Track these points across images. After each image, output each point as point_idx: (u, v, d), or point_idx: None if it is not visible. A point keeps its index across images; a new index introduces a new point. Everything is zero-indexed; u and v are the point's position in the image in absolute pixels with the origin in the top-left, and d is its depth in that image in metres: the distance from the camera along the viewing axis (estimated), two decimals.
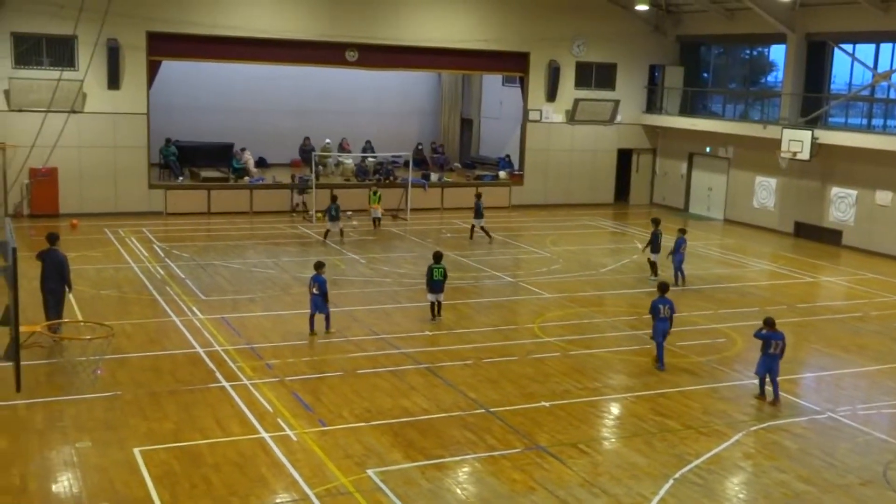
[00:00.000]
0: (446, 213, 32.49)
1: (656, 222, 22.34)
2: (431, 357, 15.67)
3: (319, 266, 16.92)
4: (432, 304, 18.11)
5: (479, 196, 27.61)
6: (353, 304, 18.90)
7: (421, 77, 38.73)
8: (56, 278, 15.47)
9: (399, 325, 17.69)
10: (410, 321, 18.07)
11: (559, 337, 17.22)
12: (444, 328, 17.52)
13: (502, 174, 34.69)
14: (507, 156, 35.60)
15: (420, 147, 36.85)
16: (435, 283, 17.98)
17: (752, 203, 31.80)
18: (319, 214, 29.25)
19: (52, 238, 15.91)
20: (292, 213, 29.62)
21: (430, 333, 17.08)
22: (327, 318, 16.88)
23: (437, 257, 18.31)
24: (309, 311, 16.77)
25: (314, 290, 16.58)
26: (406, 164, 34.02)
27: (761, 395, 14.28)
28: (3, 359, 9.26)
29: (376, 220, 28.43)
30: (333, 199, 26.54)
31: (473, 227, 27.13)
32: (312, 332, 16.58)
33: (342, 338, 16.54)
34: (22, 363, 12.54)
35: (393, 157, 35.50)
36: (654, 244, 21.92)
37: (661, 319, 15.50)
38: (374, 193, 28.51)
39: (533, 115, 34.11)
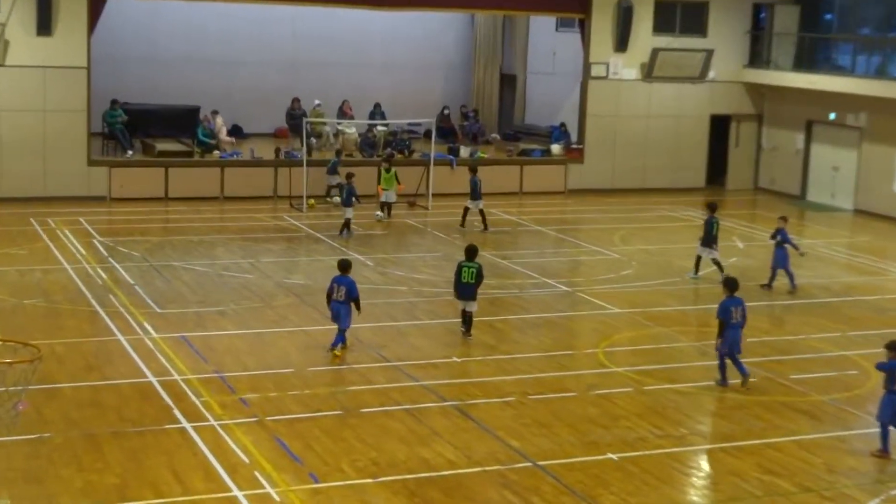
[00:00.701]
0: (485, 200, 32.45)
1: (712, 208, 22.88)
2: (460, 392, 15.62)
3: (346, 266, 17.24)
4: (462, 311, 18.26)
5: (474, 172, 27.80)
6: (357, 321, 18.89)
7: (448, 20, 38.76)
8: None
9: (417, 348, 17.64)
10: (432, 344, 18.02)
11: (631, 366, 17.13)
12: (478, 352, 17.48)
13: (555, 148, 34.61)
14: (562, 124, 35.53)
15: (446, 112, 36.87)
16: (464, 288, 18.07)
17: (893, 188, 31.52)
18: (312, 201, 29.35)
19: None
20: (327, 197, 29.64)
21: (459, 360, 17.05)
22: (340, 334, 17.02)
23: (470, 253, 18.33)
24: (334, 321, 17.06)
25: (338, 296, 16.94)
26: (427, 134, 34.01)
27: (883, 450, 13.95)
28: None
29: (387, 207, 28.48)
30: (349, 177, 26.68)
31: (467, 209, 27.42)
32: (334, 347, 17.00)
33: (342, 365, 16.56)
34: None
35: (410, 125, 35.50)
36: (707, 236, 22.54)
37: (733, 326, 15.90)
38: (388, 171, 28.53)
39: (597, 71, 34.02)
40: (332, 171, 29.29)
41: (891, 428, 13.97)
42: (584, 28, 33.78)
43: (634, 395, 15.80)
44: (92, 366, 16.14)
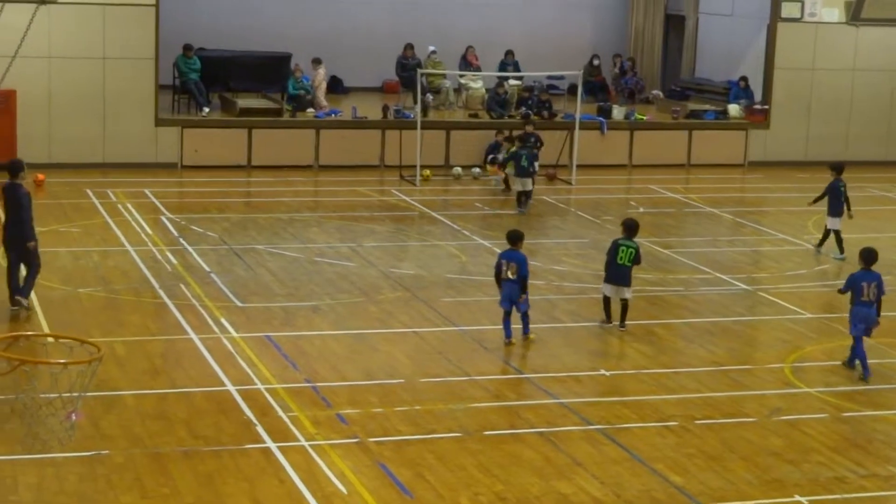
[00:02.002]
0: (638, 172, 32.28)
1: (837, 169, 24.08)
2: (609, 413, 15.62)
3: (516, 238, 17.96)
4: (607, 300, 18.70)
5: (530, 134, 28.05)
6: (479, 322, 18.99)
7: None
8: (15, 225, 18.06)
9: (556, 357, 17.68)
10: (575, 352, 18.03)
11: (826, 387, 16.92)
12: (632, 364, 17.45)
13: (733, 109, 34.27)
14: (743, 79, 35.14)
15: (596, 63, 36.75)
16: (618, 270, 18.51)
17: None
18: (428, 173, 29.58)
19: (13, 167, 18.54)
20: (487, 166, 30.06)
21: (609, 374, 17.05)
22: (525, 318, 17.78)
23: (629, 228, 18.78)
24: (503, 307, 17.81)
25: (509, 275, 17.54)
26: (572, 90, 33.94)
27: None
28: None
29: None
30: (523, 139, 27.06)
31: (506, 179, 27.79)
32: (509, 340, 17.80)
33: (462, 376, 16.68)
34: None
35: (550, 78, 35.44)
36: (833, 202, 23.66)
37: (864, 303, 16.82)
38: (512, 143, 28.65)
39: (788, 11, 33.57)
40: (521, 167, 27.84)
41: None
42: None
43: (830, 423, 15.59)
44: (159, 370, 16.54)
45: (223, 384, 15.98)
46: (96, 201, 26.34)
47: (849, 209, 23.87)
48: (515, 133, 28.20)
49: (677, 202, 28.90)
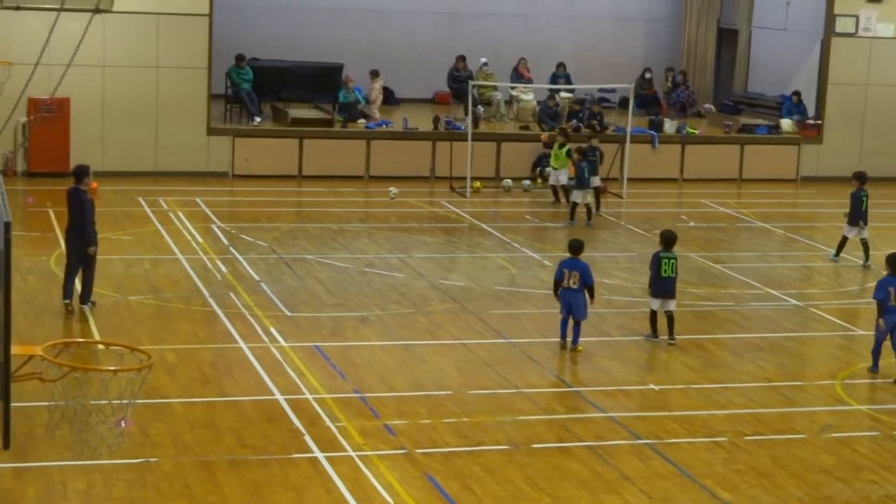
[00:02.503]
0: (689, 186, 32.15)
1: (860, 179, 24.54)
2: (658, 427, 15.56)
3: (578, 247, 18.23)
4: (654, 314, 18.80)
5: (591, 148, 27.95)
6: (528, 335, 18.97)
7: None
8: (77, 230, 18.86)
9: (605, 371, 17.63)
10: (624, 366, 17.97)
11: (878, 404, 16.81)
12: (682, 379, 17.37)
13: (786, 124, 34.10)
14: (796, 93, 34.95)
15: (648, 76, 36.67)
16: (664, 283, 18.62)
17: None
18: (478, 184, 29.59)
19: (77, 172, 19.22)
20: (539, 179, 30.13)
21: (658, 388, 16.98)
22: (577, 329, 18.07)
23: (668, 241, 18.90)
24: (560, 313, 18.13)
25: (571, 283, 17.82)
26: (623, 103, 33.85)
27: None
28: None
29: (558, 192, 28.62)
30: (585, 152, 27.03)
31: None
32: (565, 345, 18.20)
33: (511, 388, 16.65)
34: (12, 405, 13.19)
35: (601, 91, 35.38)
36: (854, 212, 24.09)
37: (892, 309, 17.41)
38: (561, 146, 28.55)
39: (843, 26, 33.37)
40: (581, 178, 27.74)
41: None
42: None
43: (882, 442, 15.45)
44: (208, 378, 16.62)
45: (272, 393, 16.03)
46: (148, 209, 26.52)
47: (865, 221, 24.22)
48: (579, 146, 28.08)
49: (729, 217, 28.76)
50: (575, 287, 17.94)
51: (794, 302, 21.65)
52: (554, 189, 28.86)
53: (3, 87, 26.05)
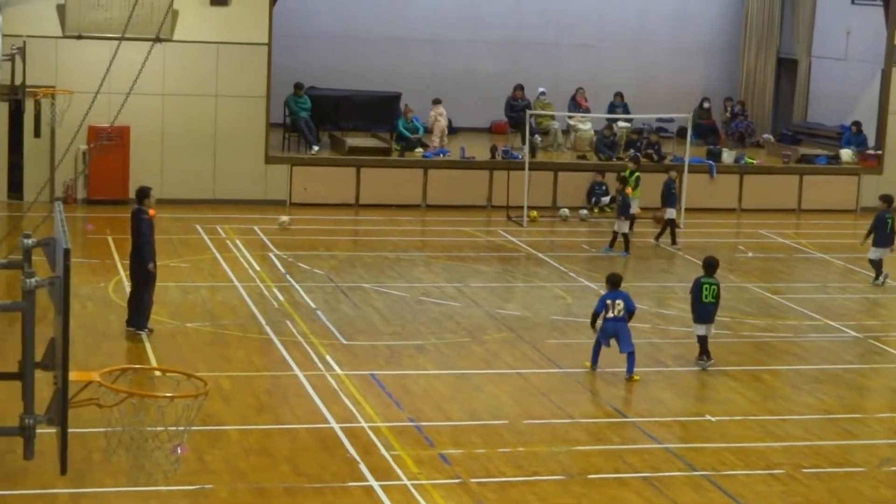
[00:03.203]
0: (748, 216, 31.99)
1: (887, 200, 25.12)
2: (714, 458, 15.45)
3: (618, 281, 18.70)
4: (702, 341, 18.99)
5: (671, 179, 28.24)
6: (584, 365, 18.90)
7: None
8: (135, 252, 19.34)
9: (661, 402, 17.55)
10: (680, 397, 17.89)
11: None
12: (739, 410, 17.24)
13: (845, 154, 33.87)
14: (856, 123, 34.73)
15: (706, 106, 36.54)
16: (705, 308, 18.77)
17: None
18: (535, 214, 29.59)
19: (138, 193, 19.73)
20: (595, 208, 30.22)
21: (715, 420, 16.87)
22: (631, 359, 18.09)
23: (710, 266, 19.05)
24: (601, 342, 18.41)
25: (615, 313, 18.20)
26: (682, 133, 33.77)
27: None
28: (45, 421, 9.84)
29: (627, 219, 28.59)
30: (624, 181, 27.04)
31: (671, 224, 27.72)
32: (594, 367, 18.50)
33: (566, 418, 16.60)
34: (70, 430, 13.28)
35: (660, 121, 35.32)
36: (880, 235, 24.57)
37: None
38: (632, 174, 28.51)
39: None
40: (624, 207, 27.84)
41: None
42: (888, 0, 32.89)
43: None
44: (264, 406, 16.69)
45: (327, 421, 16.07)
46: (206, 237, 26.70)
47: (892, 243, 24.59)
48: (621, 174, 28.07)
49: (787, 247, 28.58)
50: (619, 316, 18.08)
51: (853, 333, 21.46)
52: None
53: (64, 116, 26.31)
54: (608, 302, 18.22)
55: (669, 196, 27.80)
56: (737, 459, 15.45)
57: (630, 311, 18.24)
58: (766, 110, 38.36)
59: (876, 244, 24.68)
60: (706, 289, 18.78)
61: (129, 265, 19.68)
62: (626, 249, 26.62)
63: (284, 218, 28.02)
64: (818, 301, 23.62)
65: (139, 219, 19.28)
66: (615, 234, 26.86)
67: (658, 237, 27.65)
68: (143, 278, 19.21)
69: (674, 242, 27.53)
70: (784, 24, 38.53)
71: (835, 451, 15.94)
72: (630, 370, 18.10)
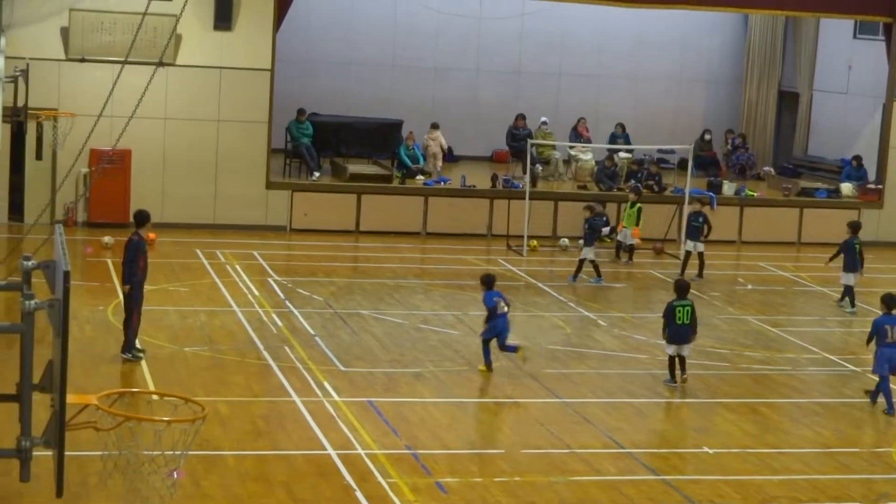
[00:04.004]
0: (748, 248, 32.01)
1: (854, 228, 25.85)
2: (711, 491, 15.43)
3: (491, 280, 20.07)
4: (672, 359, 19.37)
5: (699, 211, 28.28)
6: (582, 395, 18.88)
7: (713, 22, 38.61)
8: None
9: (658, 433, 17.56)
10: (678, 428, 17.89)
11: None
12: (737, 443, 17.23)
13: (846, 188, 33.91)
14: (856, 158, 34.77)
15: (707, 138, 36.63)
16: (679, 330, 19.27)
17: None
18: (535, 243, 29.61)
19: (138, 218, 19.60)
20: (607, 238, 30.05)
21: (712, 452, 16.85)
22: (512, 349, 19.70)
23: (681, 289, 19.73)
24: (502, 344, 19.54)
25: (504, 310, 19.63)
26: (682, 164, 33.83)
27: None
28: (42, 444, 9.85)
29: (626, 250, 28.56)
30: (591, 209, 27.18)
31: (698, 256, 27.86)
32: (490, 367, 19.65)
33: (563, 448, 16.59)
34: (66, 453, 13.27)
35: (660, 151, 35.37)
36: (848, 259, 25.35)
37: (889, 345, 18.65)
38: (632, 206, 28.53)
39: None
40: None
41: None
42: (890, 35, 33.00)
43: None
44: (261, 431, 16.68)
45: (324, 448, 16.06)
46: (205, 261, 26.71)
47: (861, 266, 25.42)
48: (589, 204, 28.01)
49: (787, 280, 28.60)
50: (506, 312, 19.78)
51: (851, 367, 21.45)
52: (620, 249, 28.84)
53: (66, 138, 26.37)
54: (499, 300, 19.73)
55: (690, 228, 27.79)
56: (734, 492, 15.43)
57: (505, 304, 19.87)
58: (768, 143, 38.43)
59: (846, 269, 25.47)
60: (679, 311, 19.33)
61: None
62: (598, 276, 26.57)
63: (108, 239, 27.60)
64: (817, 334, 23.63)
65: (129, 239, 19.28)
66: (581, 262, 26.62)
67: (700, 272, 27.58)
68: (126, 301, 19.20)
69: (699, 275, 27.48)
70: (786, 56, 38.64)
71: (832, 484, 15.91)
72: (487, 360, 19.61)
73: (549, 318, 23.61)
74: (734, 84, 38.98)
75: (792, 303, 26.70)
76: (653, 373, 20.20)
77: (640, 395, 18.79)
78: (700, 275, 27.44)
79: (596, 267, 26.66)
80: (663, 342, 19.66)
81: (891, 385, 18.89)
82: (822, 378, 20.87)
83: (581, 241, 27.14)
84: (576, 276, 26.62)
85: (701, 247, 27.60)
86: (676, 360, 19.43)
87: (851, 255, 25.31)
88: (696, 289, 26.70)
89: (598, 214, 27.53)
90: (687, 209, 28.87)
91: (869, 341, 19.45)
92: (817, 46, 37.93)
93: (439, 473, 15.39)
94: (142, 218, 19.59)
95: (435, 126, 33.51)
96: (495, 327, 19.54)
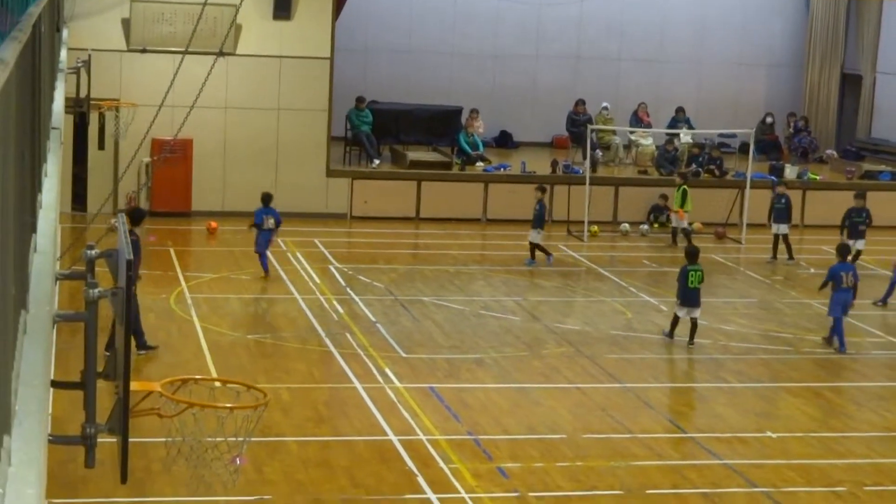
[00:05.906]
0: (810, 232, 31.75)
1: (861, 196, 27.17)
2: (775, 475, 15.35)
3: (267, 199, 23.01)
4: (677, 319, 20.54)
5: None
6: (643, 380, 18.85)
7: (774, 4, 38.42)
8: None
9: (721, 418, 17.47)
10: (741, 413, 17.79)
11: None
12: (800, 427, 17.12)
13: None
14: None
15: (769, 121, 36.35)
16: (692, 293, 20.29)
17: None
18: (596, 228, 29.54)
19: (134, 216, 19.20)
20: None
21: (775, 436, 16.76)
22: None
23: (692, 255, 20.75)
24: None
25: (270, 226, 22.57)
26: (744, 148, 33.62)
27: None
28: (106, 430, 9.96)
29: (683, 233, 28.45)
30: (543, 189, 27.06)
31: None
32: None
33: (625, 433, 16.56)
34: (130, 440, 13.42)
35: (722, 136, 35.17)
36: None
37: (843, 290, 20.31)
38: (678, 189, 28.38)
39: None
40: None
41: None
42: None
43: None
44: (322, 418, 16.77)
45: (385, 434, 16.12)
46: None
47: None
48: (540, 185, 27.82)
49: None
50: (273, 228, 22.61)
51: None
52: (673, 232, 28.76)
53: (128, 128, 26.60)
54: (265, 217, 23.49)
55: (774, 211, 28.10)
56: (797, 476, 15.35)
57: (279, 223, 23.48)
58: (830, 126, 38.10)
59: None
60: (692, 275, 20.27)
61: None
62: (548, 255, 26.23)
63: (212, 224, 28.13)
64: (880, 318, 23.44)
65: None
66: (532, 244, 26.29)
67: (790, 255, 27.70)
68: None
69: (790, 257, 27.70)
70: (849, 39, 38.26)
71: None
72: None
73: (610, 304, 23.56)
74: (796, 67, 38.66)
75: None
76: (714, 357, 20.12)
77: (701, 380, 18.73)
78: (790, 257, 27.57)
79: (542, 248, 26.31)
80: (676, 303, 20.61)
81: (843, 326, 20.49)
82: (886, 361, 20.70)
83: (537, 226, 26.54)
84: (533, 258, 26.34)
85: (784, 229, 27.58)
86: (676, 322, 20.49)
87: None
88: (762, 273, 26.60)
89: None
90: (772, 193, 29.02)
91: (822, 287, 21.20)
92: (881, 28, 37.54)
93: (500, 459, 15.41)
94: (138, 216, 19.60)
95: (474, 112, 33.57)
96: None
